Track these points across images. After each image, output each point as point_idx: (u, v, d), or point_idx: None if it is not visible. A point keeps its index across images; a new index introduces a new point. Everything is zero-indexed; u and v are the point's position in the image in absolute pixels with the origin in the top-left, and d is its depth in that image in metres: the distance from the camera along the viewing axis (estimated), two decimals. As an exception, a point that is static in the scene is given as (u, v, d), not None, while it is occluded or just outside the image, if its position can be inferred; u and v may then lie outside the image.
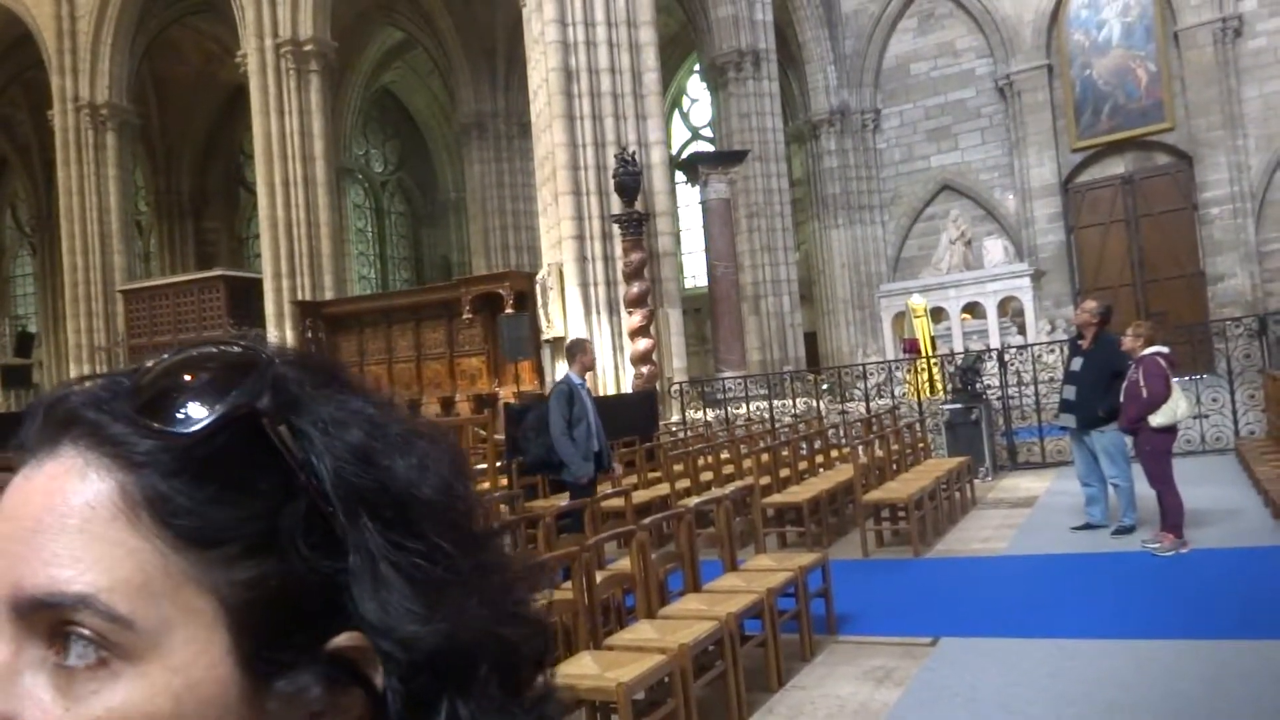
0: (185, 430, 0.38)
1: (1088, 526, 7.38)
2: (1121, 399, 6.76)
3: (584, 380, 7.09)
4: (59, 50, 21.10)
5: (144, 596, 0.37)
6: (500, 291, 15.46)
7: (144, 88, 24.75)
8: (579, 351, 7.26)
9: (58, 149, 21.16)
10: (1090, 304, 7.60)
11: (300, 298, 17.60)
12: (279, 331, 17.56)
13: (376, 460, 0.41)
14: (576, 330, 13.09)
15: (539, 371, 15.05)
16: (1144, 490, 6.95)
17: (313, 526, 0.39)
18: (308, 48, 18.06)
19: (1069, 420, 7.45)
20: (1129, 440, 7.11)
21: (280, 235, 17.84)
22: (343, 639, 0.39)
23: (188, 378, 0.40)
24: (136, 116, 22.36)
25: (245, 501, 0.39)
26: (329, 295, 17.95)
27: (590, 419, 6.83)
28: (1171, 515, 6.53)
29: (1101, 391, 7.07)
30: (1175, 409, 6.59)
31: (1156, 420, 6.53)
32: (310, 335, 17.39)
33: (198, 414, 0.39)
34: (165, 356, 0.43)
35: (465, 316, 15.85)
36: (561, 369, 13.57)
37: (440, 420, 7.45)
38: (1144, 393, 6.54)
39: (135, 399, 0.40)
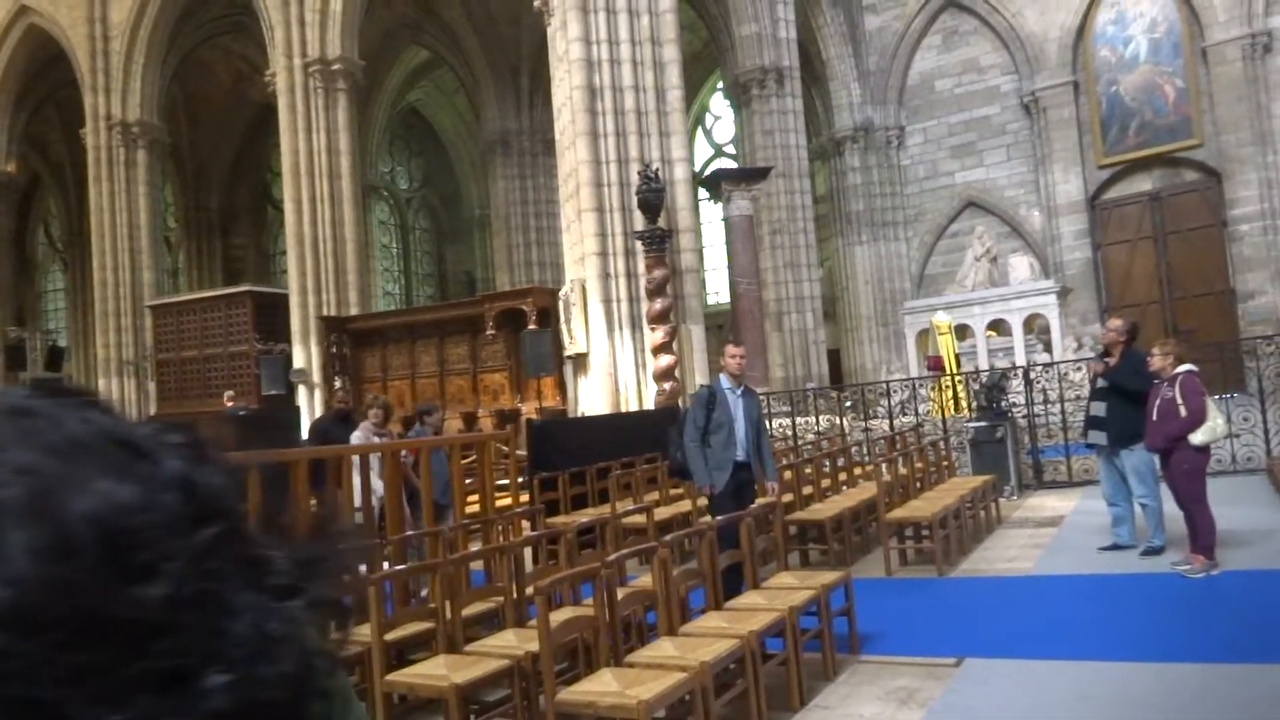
0: None
1: (1115, 547, 7.28)
2: (1154, 418, 6.66)
3: (736, 384, 6.55)
4: (92, 69, 21.49)
5: None
6: (523, 308, 15.53)
7: (174, 106, 25.15)
8: (721, 355, 6.78)
9: (90, 166, 21.52)
10: (1116, 322, 7.55)
11: (326, 313, 17.75)
12: (304, 347, 17.72)
13: None
14: (599, 346, 13.10)
15: (561, 387, 15.07)
16: (1171, 510, 6.85)
17: None
18: (335, 67, 18.29)
19: (1099, 437, 7.36)
20: (1156, 460, 7.02)
21: (307, 251, 18.01)
22: None
23: None
24: (167, 135, 22.71)
25: None
26: (354, 311, 18.09)
27: (735, 424, 6.37)
28: (1203, 536, 6.43)
29: (1131, 406, 6.99)
30: (1215, 427, 6.50)
31: (1197, 439, 6.44)
32: (335, 350, 17.53)
33: None
34: None
35: (488, 332, 15.93)
36: (585, 385, 13.62)
37: (462, 435, 7.37)
38: (1182, 411, 6.45)
39: None
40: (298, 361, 17.72)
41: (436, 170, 32.08)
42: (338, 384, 17.36)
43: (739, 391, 6.52)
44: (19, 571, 0.28)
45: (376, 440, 7.57)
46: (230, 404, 15.23)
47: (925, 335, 20.20)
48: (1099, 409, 7.33)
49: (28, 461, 0.31)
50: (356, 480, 6.83)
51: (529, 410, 14.84)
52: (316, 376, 17.53)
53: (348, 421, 8.96)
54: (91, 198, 21.63)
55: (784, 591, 4.98)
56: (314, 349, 17.65)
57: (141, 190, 21.32)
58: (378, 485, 7.06)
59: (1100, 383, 7.42)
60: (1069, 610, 5.90)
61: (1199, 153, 19.62)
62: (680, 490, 9.24)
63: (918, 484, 8.64)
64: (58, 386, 0.36)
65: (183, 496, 0.33)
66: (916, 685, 4.61)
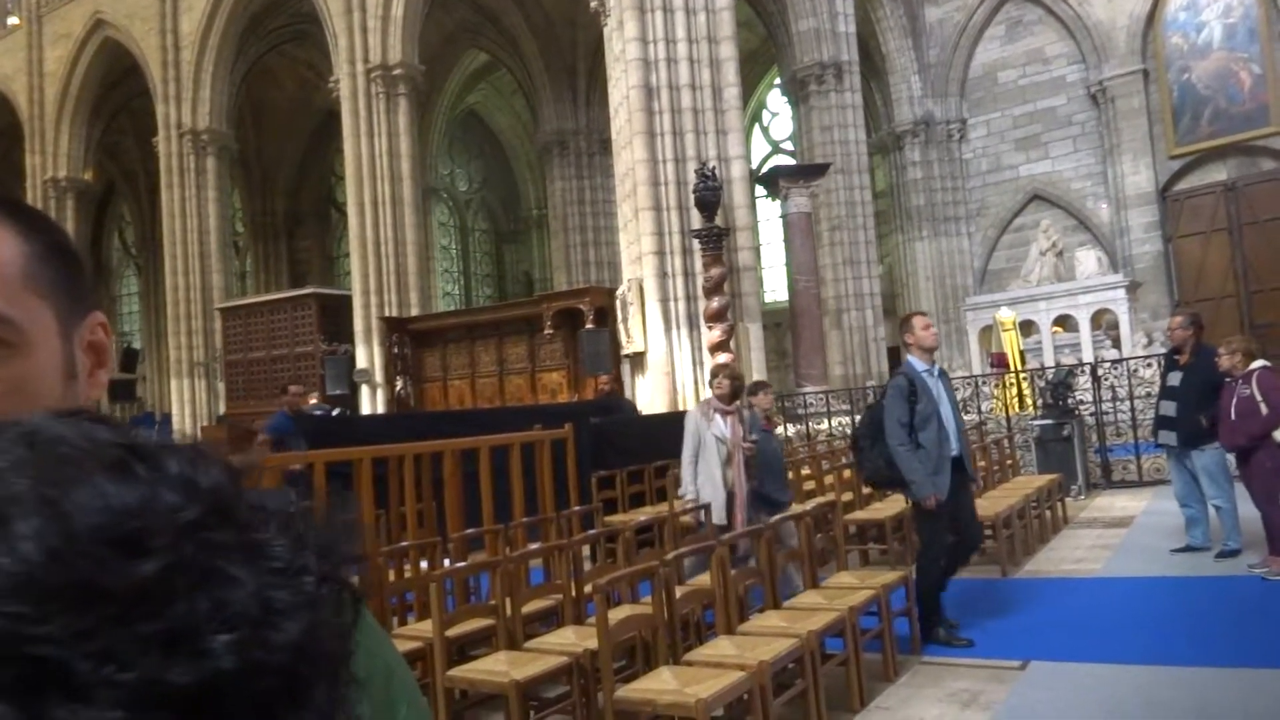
0: None
1: (1188, 549, 7.07)
2: (1232, 416, 6.45)
3: (933, 365, 5.53)
4: (164, 79, 22.16)
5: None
6: (581, 307, 15.60)
7: (242, 114, 25.80)
8: (906, 330, 5.63)
9: (161, 173, 22.19)
10: (1177, 319, 7.31)
11: (387, 314, 18.06)
12: (367, 347, 18.04)
13: None
14: (656, 345, 13.11)
15: (619, 386, 15.10)
16: (1246, 512, 6.63)
17: None
18: (397, 72, 18.58)
19: (1169, 438, 7.15)
20: (1232, 459, 6.80)
21: (369, 253, 18.35)
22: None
23: None
24: (235, 141, 23.30)
25: None
26: (415, 311, 18.36)
27: (944, 414, 5.36)
28: (1286, 537, 6.22)
29: (1203, 406, 6.78)
30: None
31: None
32: (396, 350, 17.81)
33: None
34: None
35: (546, 332, 16.03)
36: (642, 384, 13.64)
37: (517, 436, 7.38)
38: (1262, 408, 6.25)
39: None
40: (361, 362, 18.05)
41: (495, 172, 32.41)
42: (399, 384, 17.64)
43: (935, 372, 5.51)
44: (27, 551, 0.33)
45: (719, 419, 6.21)
46: (313, 401, 15.52)
47: (988, 332, 19.84)
48: (1169, 408, 7.12)
49: (34, 464, 0.36)
50: (689, 467, 6.20)
51: (587, 409, 14.89)
52: (379, 376, 17.84)
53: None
54: (163, 204, 22.30)
55: (844, 591, 4.93)
56: (376, 349, 17.96)
57: (211, 196, 21.92)
58: (713, 473, 6.08)
59: (1171, 380, 7.22)
60: (1139, 613, 5.74)
61: (1277, 141, 18.94)
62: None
63: (981, 483, 8.48)
64: (70, 411, 0.42)
65: (179, 490, 0.37)
66: (980, 688, 4.53)
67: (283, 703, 0.35)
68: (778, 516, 5.92)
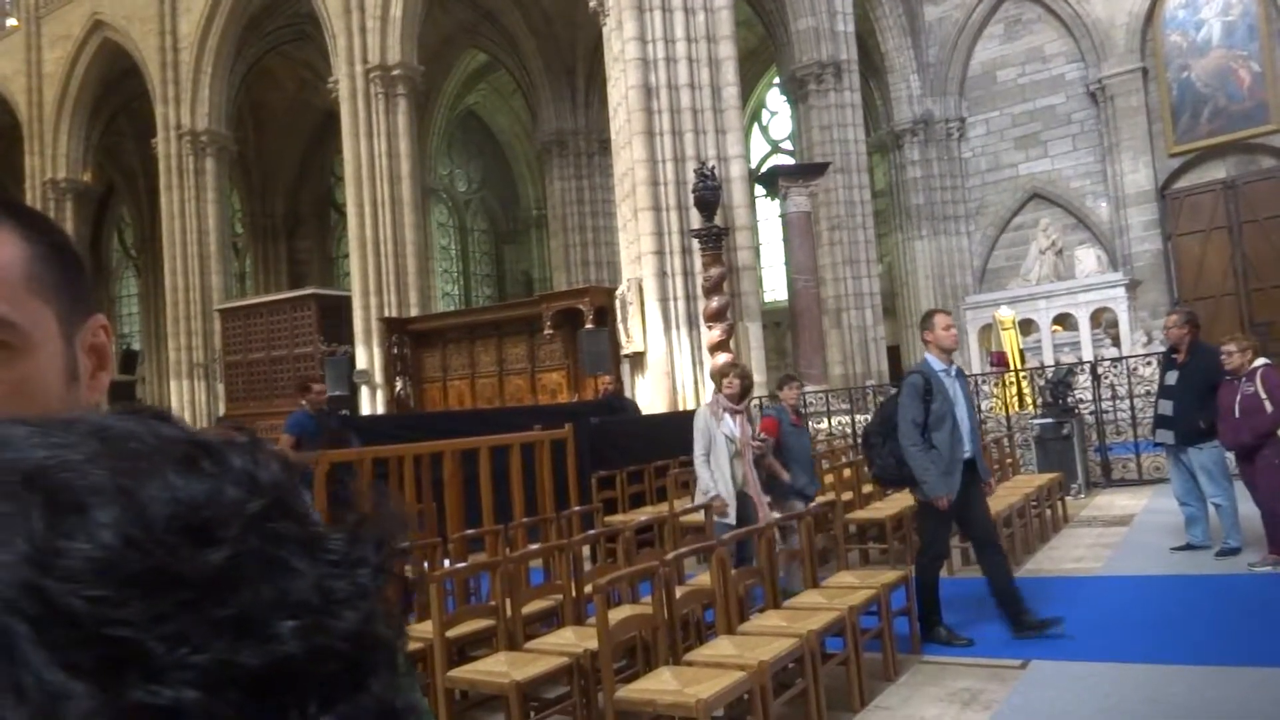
0: None
1: (1189, 547, 7.07)
2: (1236, 415, 6.45)
3: (950, 364, 5.47)
4: (162, 81, 22.15)
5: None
6: (580, 307, 15.60)
7: (241, 115, 25.80)
8: (926, 327, 5.52)
9: (161, 175, 22.18)
10: (1173, 317, 7.31)
11: (387, 314, 18.05)
12: (366, 348, 18.04)
13: None
14: (656, 345, 13.10)
15: (620, 385, 15.09)
16: (1246, 510, 6.64)
17: None
18: (395, 72, 18.58)
19: (1167, 436, 7.15)
20: (1231, 457, 6.80)
21: (369, 254, 18.34)
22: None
23: None
24: (234, 142, 23.30)
25: None
26: (414, 312, 18.36)
27: (958, 415, 5.30)
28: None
29: (1201, 404, 6.78)
30: None
31: None
32: (396, 351, 17.81)
33: None
34: None
35: (546, 332, 16.03)
36: (642, 384, 13.64)
37: (517, 436, 7.39)
38: (1267, 405, 6.25)
39: None
40: (360, 362, 18.05)
41: (494, 172, 32.41)
42: (399, 384, 17.65)
43: (953, 372, 5.44)
44: (107, 539, 0.35)
45: (728, 417, 6.19)
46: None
47: (988, 330, 19.84)
48: (1166, 407, 7.12)
49: (108, 457, 0.38)
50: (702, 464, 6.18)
51: (587, 409, 14.88)
52: (379, 377, 17.84)
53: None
54: (162, 205, 22.30)
55: (844, 591, 4.93)
56: (376, 350, 17.96)
57: (210, 197, 21.91)
58: (724, 472, 6.08)
59: (1168, 379, 7.21)
60: (1140, 611, 5.74)
61: (1276, 139, 18.94)
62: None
63: (994, 484, 8.48)
64: (134, 408, 0.44)
65: (243, 484, 0.39)
66: (980, 687, 4.53)
67: (344, 687, 0.37)
68: (800, 510, 5.95)
